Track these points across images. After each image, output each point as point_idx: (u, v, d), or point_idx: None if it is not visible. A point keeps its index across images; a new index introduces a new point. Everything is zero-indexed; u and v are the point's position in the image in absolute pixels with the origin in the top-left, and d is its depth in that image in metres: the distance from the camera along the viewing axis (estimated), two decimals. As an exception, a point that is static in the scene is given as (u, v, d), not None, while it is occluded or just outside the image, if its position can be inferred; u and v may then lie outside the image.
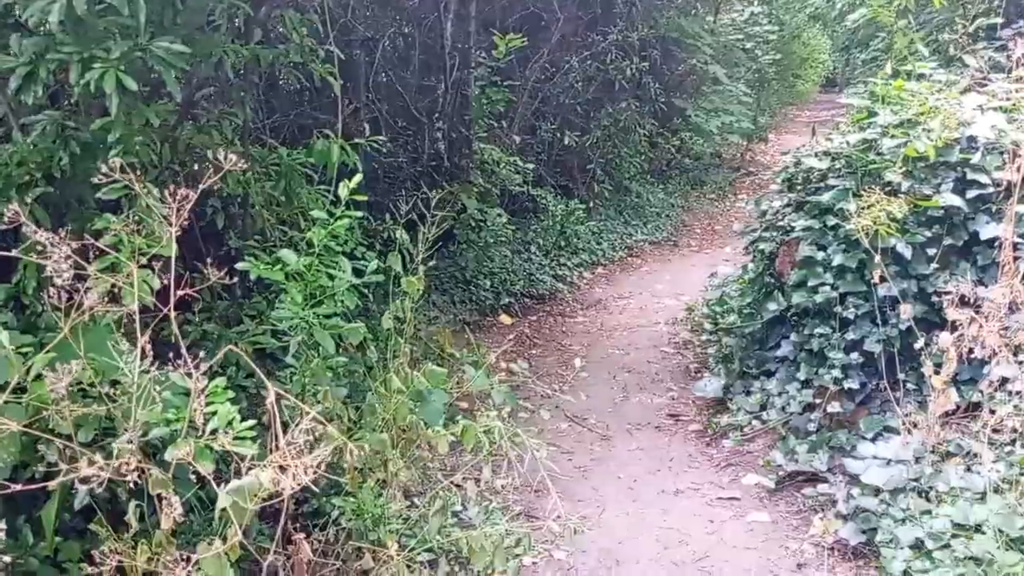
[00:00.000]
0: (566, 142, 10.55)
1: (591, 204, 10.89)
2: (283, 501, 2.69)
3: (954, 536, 3.73)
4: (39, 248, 2.69)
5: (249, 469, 2.68)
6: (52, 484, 2.71)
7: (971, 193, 4.87)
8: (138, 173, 3.14)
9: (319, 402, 3.83)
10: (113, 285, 3.01)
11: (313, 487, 2.69)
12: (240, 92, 4.80)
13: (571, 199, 10.15)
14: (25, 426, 2.81)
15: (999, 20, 6.61)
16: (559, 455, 5.25)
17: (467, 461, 4.61)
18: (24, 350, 2.98)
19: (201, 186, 2.86)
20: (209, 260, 3.88)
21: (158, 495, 2.80)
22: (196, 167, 4.27)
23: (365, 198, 4.03)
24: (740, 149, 16.96)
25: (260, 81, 5.67)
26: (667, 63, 12.61)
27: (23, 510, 3.18)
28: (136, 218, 3.32)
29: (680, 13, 12.53)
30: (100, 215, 3.39)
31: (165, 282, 2.93)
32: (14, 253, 2.94)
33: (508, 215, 8.69)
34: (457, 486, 4.41)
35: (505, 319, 7.98)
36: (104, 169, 2.87)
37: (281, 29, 4.84)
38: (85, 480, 2.60)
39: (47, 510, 3.08)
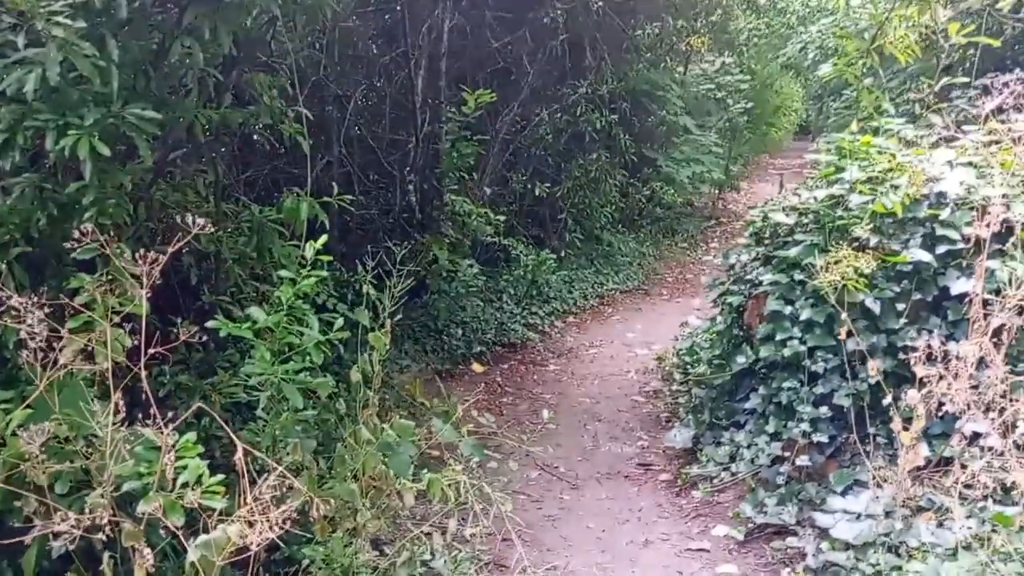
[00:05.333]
0: (537, 193, 10.62)
1: (562, 253, 10.96)
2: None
3: (925, 593, 3.68)
4: (13, 312, 2.78)
5: (218, 522, 2.76)
6: (28, 538, 2.78)
7: (940, 248, 4.84)
8: (111, 234, 3.24)
9: (288, 454, 3.90)
10: (87, 343, 3.10)
11: (280, 542, 2.77)
12: (212, 152, 4.90)
13: (542, 249, 10.18)
14: (4, 479, 2.90)
15: (966, 79, 6.56)
16: (528, 504, 5.30)
17: (436, 511, 4.66)
18: (4, 405, 3.07)
19: (170, 249, 2.96)
20: (184, 314, 3.98)
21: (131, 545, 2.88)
22: (172, 221, 4.35)
23: (329, 259, 4.14)
24: (712, 198, 17.13)
25: (232, 140, 5.76)
26: (637, 114, 12.74)
27: (5, 556, 3.25)
28: (109, 278, 3.41)
29: (649, 66, 12.74)
30: (77, 273, 3.47)
31: (136, 341, 3.02)
32: (-10, 316, 3.02)
33: (479, 265, 8.75)
34: (427, 535, 4.44)
35: (477, 367, 8.00)
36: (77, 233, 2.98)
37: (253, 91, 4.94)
38: (58, 535, 2.68)
39: (27, 558, 3.15)
